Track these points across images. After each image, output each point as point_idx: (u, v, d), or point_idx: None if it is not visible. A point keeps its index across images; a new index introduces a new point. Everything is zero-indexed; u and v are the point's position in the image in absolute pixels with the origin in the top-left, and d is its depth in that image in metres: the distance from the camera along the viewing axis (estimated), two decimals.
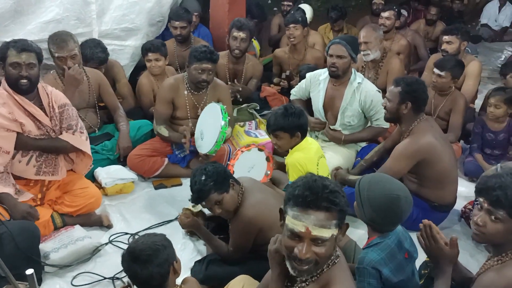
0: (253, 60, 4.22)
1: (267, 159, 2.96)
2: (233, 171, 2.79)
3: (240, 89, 3.98)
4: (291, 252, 1.42)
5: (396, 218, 1.92)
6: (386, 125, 3.30)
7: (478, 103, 4.39)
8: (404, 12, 5.75)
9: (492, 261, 1.72)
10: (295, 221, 1.39)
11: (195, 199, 2.28)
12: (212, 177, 2.21)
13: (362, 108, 3.32)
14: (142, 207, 3.09)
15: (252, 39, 5.24)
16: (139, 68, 4.22)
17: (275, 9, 6.37)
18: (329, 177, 2.83)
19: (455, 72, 3.59)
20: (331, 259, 1.49)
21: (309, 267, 1.42)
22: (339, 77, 3.28)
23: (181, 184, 3.36)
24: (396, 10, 4.98)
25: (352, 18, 5.84)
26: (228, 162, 2.97)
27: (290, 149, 2.73)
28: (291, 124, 2.61)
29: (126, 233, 2.79)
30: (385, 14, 4.82)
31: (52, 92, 2.66)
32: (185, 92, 3.37)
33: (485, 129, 3.58)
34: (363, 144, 3.50)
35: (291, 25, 4.30)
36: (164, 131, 3.36)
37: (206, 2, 4.89)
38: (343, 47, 3.18)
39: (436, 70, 3.59)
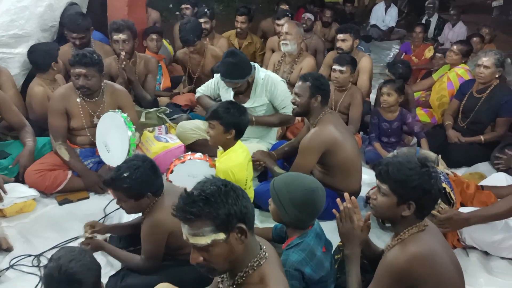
0: (145, 58, 4.11)
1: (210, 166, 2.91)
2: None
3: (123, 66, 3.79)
4: None
5: (316, 210, 2.01)
6: None
7: (372, 98, 4.74)
8: (310, 16, 6.03)
9: (394, 240, 1.86)
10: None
11: (105, 183, 2.22)
12: (133, 182, 2.11)
13: (269, 98, 3.42)
14: (46, 225, 2.86)
15: (165, 41, 5.15)
16: (32, 77, 3.90)
17: (177, 13, 6.31)
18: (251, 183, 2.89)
19: (353, 66, 3.88)
20: (254, 260, 1.48)
21: (206, 270, 1.46)
22: (243, 92, 3.39)
23: (88, 197, 3.18)
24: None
25: (254, 24, 5.94)
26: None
27: (221, 149, 2.72)
28: (230, 118, 2.61)
29: (30, 255, 2.57)
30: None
31: None
32: (78, 100, 3.19)
33: (381, 119, 3.87)
34: (274, 141, 3.61)
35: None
36: (64, 153, 3.15)
37: (104, 6, 4.70)
38: (234, 81, 3.25)
39: (337, 67, 3.82)
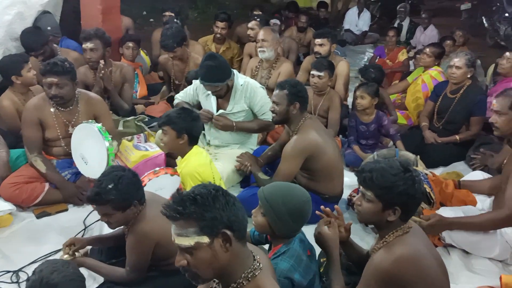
0: (121, 66, 4.06)
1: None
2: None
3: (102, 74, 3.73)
4: None
5: (306, 219, 2.00)
6: None
7: (350, 101, 4.80)
8: (276, 21, 6.07)
9: (379, 244, 1.87)
10: None
11: (90, 199, 2.12)
12: (119, 192, 2.06)
13: (249, 105, 3.43)
14: (25, 240, 2.78)
15: (141, 51, 5.09)
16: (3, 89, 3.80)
17: (151, 20, 6.27)
18: (222, 182, 2.87)
19: (331, 71, 3.94)
20: (248, 271, 1.45)
21: (190, 275, 1.44)
22: (223, 96, 3.38)
23: (67, 210, 3.10)
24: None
25: (229, 29, 5.94)
26: None
27: (180, 156, 2.70)
28: (181, 123, 2.60)
29: (8, 271, 2.49)
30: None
31: None
32: (52, 110, 3.12)
33: (358, 122, 3.91)
34: (255, 147, 3.62)
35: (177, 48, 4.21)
36: (40, 165, 3.07)
37: (78, 14, 4.62)
38: (214, 84, 3.24)
39: (315, 72, 3.87)
